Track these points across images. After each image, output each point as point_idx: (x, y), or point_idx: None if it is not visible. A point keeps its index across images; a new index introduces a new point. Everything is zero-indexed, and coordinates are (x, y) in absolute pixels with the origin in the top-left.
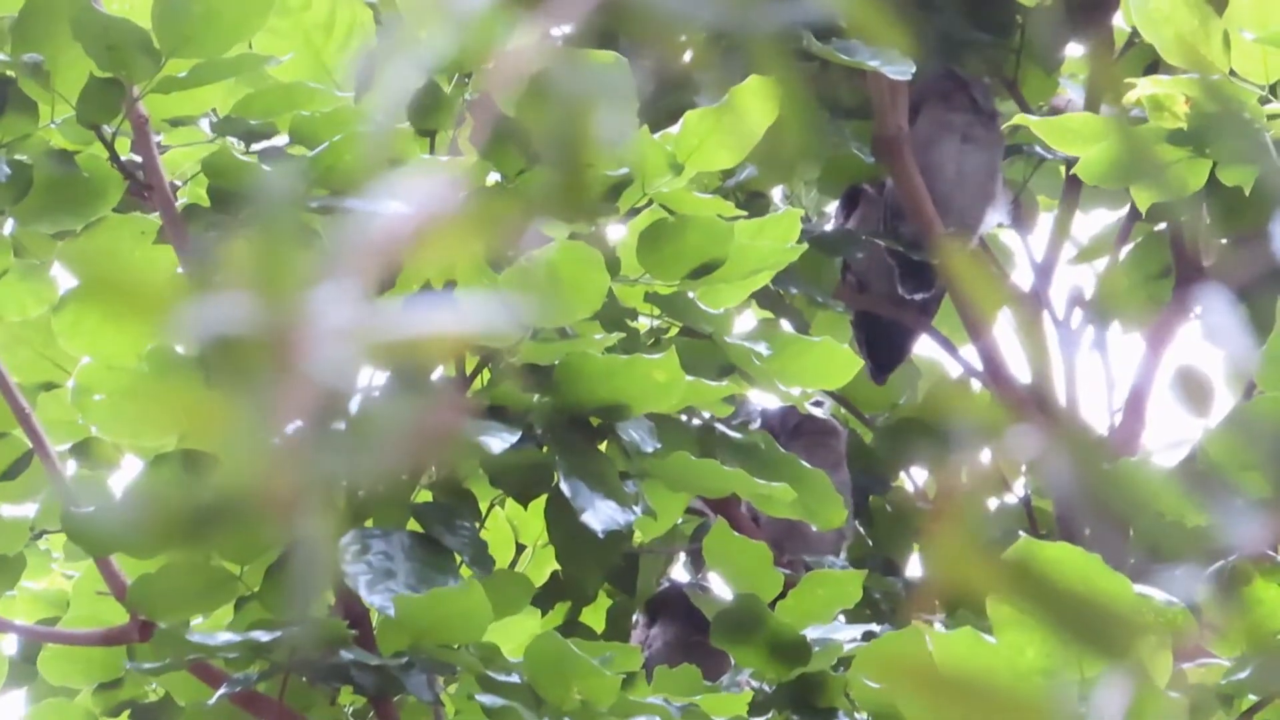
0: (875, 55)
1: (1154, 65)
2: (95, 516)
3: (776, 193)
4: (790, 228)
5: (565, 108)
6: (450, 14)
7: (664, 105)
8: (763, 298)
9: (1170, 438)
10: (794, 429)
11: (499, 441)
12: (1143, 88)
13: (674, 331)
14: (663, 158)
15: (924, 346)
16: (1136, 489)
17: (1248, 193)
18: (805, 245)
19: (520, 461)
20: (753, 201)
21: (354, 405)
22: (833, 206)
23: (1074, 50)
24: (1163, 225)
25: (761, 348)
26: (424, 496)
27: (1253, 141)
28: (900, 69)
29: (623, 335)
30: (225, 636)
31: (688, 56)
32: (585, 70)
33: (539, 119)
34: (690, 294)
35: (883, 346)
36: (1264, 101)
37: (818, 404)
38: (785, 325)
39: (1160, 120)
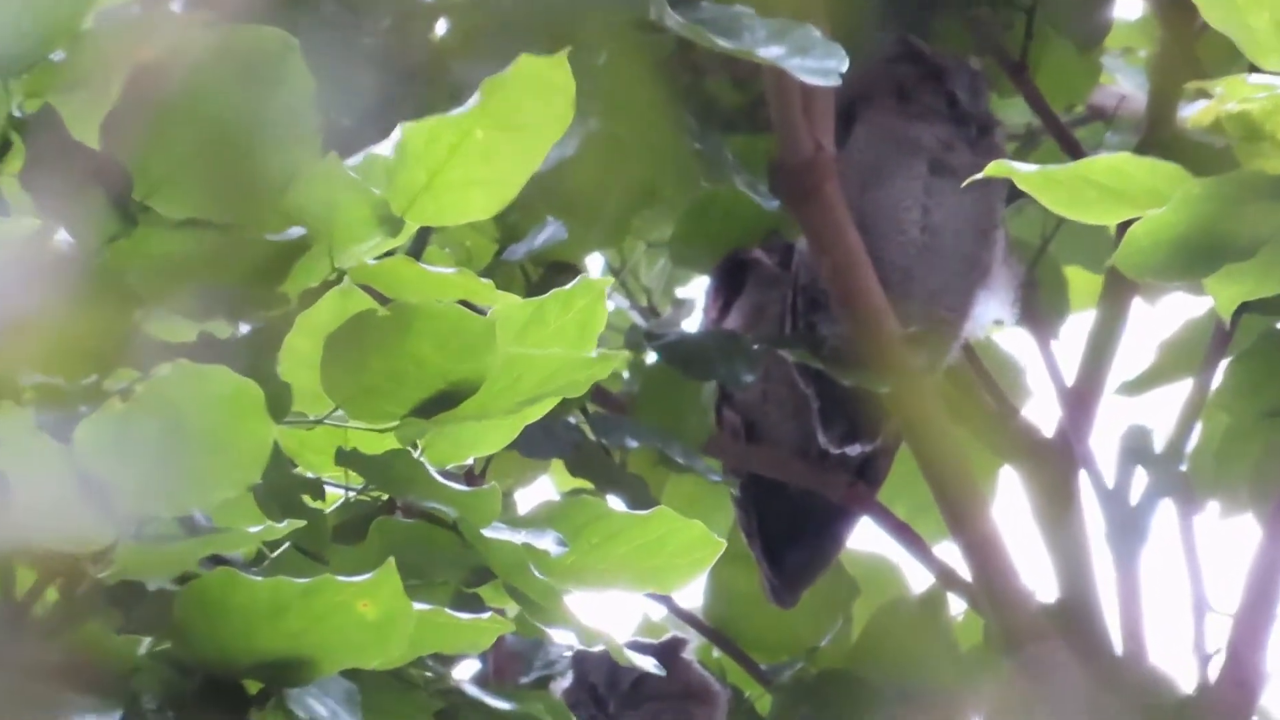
0: (777, 34)
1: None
2: None
3: (595, 264)
4: (593, 312)
5: (191, 120)
6: None
7: (398, 111)
8: (575, 455)
9: None
10: (633, 689)
11: None
12: (1222, 101)
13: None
14: (365, 205)
15: (865, 538)
16: None
17: None
18: (632, 353)
19: None
20: (555, 280)
21: None
22: (699, 290)
23: (1126, 11)
24: None
25: (549, 542)
26: None
27: None
28: (822, 65)
29: (300, 526)
30: None
31: (441, 27)
32: (230, 57)
33: (149, 142)
34: (416, 447)
35: (788, 540)
36: None
37: (674, 645)
38: (615, 504)
39: (1257, 158)
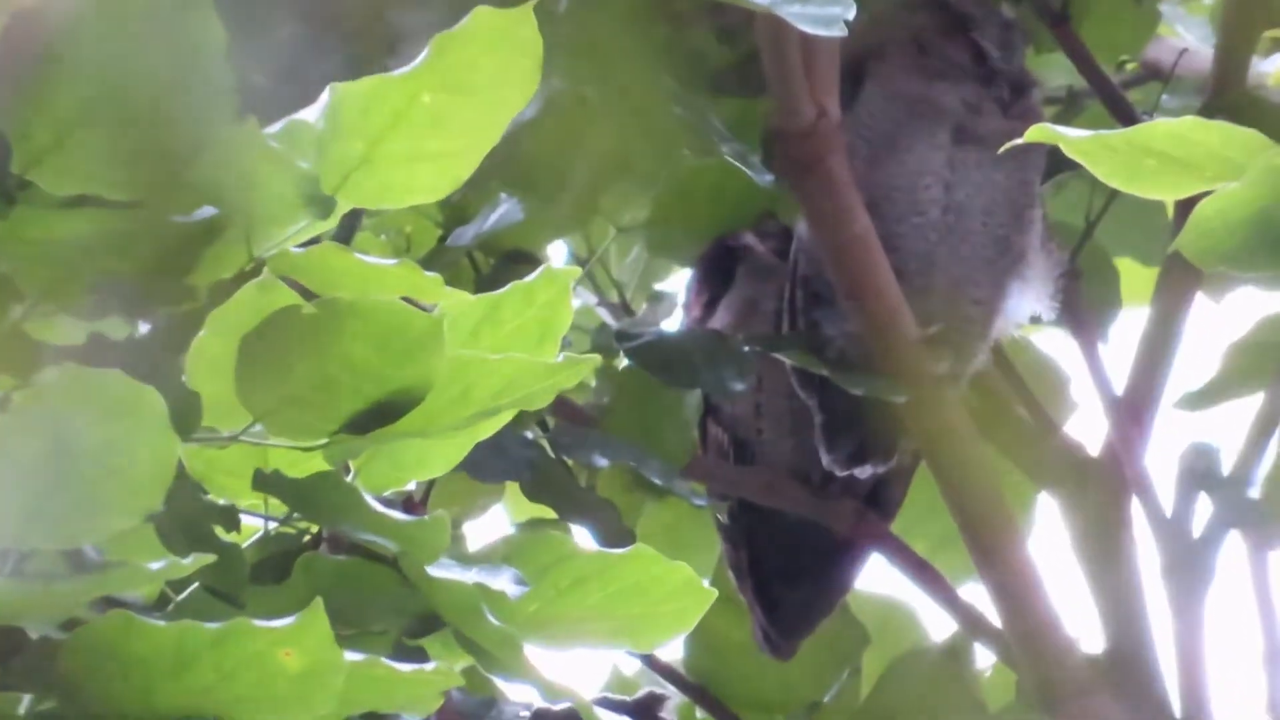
0: None
1: None
2: None
3: (558, 253)
4: (556, 309)
5: (80, 78)
6: None
7: (324, 67)
8: (533, 476)
9: None
10: None
11: None
12: None
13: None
14: (289, 181)
15: (876, 577)
16: None
17: None
18: (602, 358)
19: None
20: (509, 271)
21: None
22: (679, 283)
23: None
24: None
25: (504, 581)
26: None
27: None
28: (825, 12)
29: (211, 563)
30: None
31: None
32: (126, 2)
33: (30, 104)
34: (349, 468)
35: (786, 579)
36: None
37: (650, 703)
38: (580, 538)
39: None
